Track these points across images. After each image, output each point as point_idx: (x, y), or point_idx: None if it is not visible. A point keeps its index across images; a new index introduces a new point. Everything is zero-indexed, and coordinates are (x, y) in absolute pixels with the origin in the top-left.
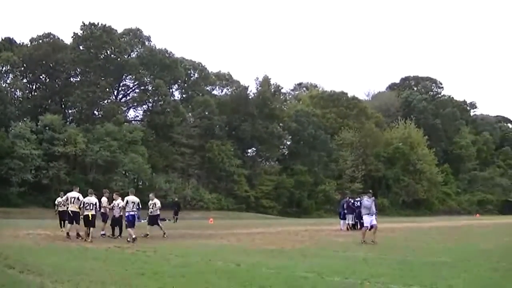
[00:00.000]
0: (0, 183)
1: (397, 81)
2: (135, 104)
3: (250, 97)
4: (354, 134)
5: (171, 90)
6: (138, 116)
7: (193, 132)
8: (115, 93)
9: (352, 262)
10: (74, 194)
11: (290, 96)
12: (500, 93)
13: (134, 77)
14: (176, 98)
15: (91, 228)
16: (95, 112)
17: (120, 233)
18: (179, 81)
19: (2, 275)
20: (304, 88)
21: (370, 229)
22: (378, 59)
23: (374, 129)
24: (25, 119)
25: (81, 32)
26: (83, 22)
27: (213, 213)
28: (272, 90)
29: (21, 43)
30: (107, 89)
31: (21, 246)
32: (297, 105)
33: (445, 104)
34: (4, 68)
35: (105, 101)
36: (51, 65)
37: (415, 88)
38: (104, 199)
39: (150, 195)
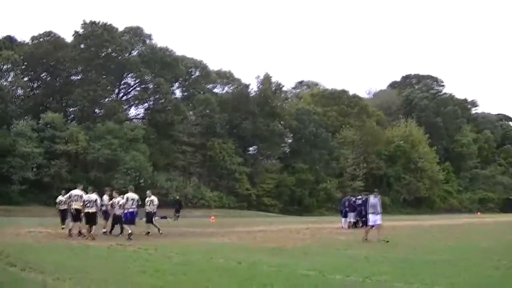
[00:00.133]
0: (1, 181)
1: (398, 79)
2: (136, 102)
3: (251, 95)
4: (355, 132)
5: (172, 88)
6: (139, 114)
7: (194, 130)
8: (116, 91)
9: (353, 260)
10: (77, 191)
11: (291, 94)
12: (501, 91)
13: (135, 75)
14: (177, 96)
15: (93, 226)
16: (96, 110)
17: (122, 231)
18: (180, 79)
19: (3, 273)
20: (305, 86)
21: (372, 227)
22: (379, 57)
23: (375, 127)
24: (26, 117)
25: (82, 30)
26: (84, 21)
27: (214, 211)
28: (273, 88)
29: (22, 42)
30: (108, 87)
31: (23, 244)
32: (298, 103)
33: (446, 102)
34: (5, 66)
35: (106, 99)
36: (52, 63)
37: (416, 86)
38: (105, 197)
39: (148, 192)
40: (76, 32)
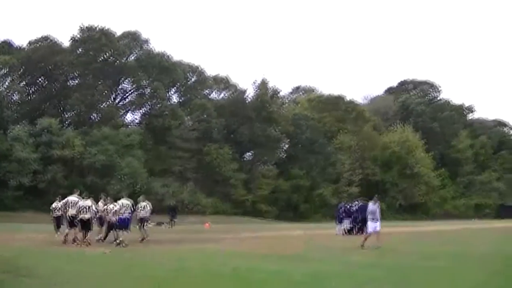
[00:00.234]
0: None
1: (395, 85)
2: (133, 107)
3: (247, 100)
4: (351, 137)
5: (169, 94)
6: (135, 120)
7: (190, 136)
8: (113, 96)
9: (349, 266)
10: (73, 198)
11: (288, 100)
12: (498, 97)
13: (132, 80)
14: (174, 101)
15: (88, 232)
16: (92, 115)
17: (116, 238)
18: (177, 84)
19: None
20: (302, 92)
21: (371, 234)
22: (376, 63)
23: (371, 132)
24: (23, 122)
25: (79, 35)
26: (81, 25)
27: (210, 218)
28: (270, 93)
29: (19, 46)
30: (105, 92)
31: (18, 250)
32: (295, 108)
33: (442, 108)
34: (2, 71)
35: (103, 104)
36: (49, 68)
37: (413, 92)
38: (100, 203)
39: (140, 197)
40: (73, 37)
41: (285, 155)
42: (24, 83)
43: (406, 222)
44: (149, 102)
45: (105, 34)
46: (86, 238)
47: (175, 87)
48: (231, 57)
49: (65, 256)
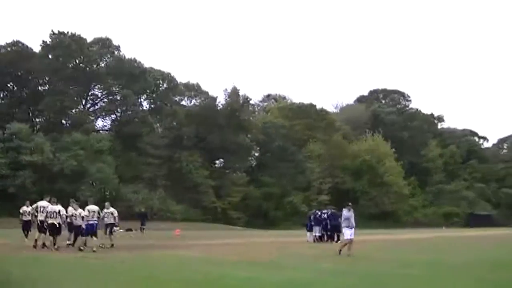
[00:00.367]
0: None
1: (366, 93)
2: (103, 113)
3: (218, 108)
4: (321, 146)
5: (139, 100)
6: (106, 126)
7: (161, 143)
8: (83, 102)
9: (320, 273)
10: (43, 203)
11: (258, 108)
12: (467, 106)
13: (102, 86)
14: (144, 108)
15: (56, 237)
16: (63, 121)
17: (85, 243)
18: (148, 91)
19: None
20: (273, 100)
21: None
22: (346, 72)
23: (342, 141)
24: None
25: (50, 40)
26: (52, 30)
27: (180, 224)
28: (241, 101)
29: None
30: (76, 98)
31: None
32: (265, 116)
33: (413, 117)
34: None
35: (73, 110)
36: (19, 73)
37: (383, 101)
38: (70, 209)
39: (106, 204)
40: (44, 42)
41: (255, 163)
42: None
43: (377, 230)
44: (119, 109)
45: (76, 40)
46: (55, 243)
47: (145, 94)
48: (202, 64)
49: (34, 262)
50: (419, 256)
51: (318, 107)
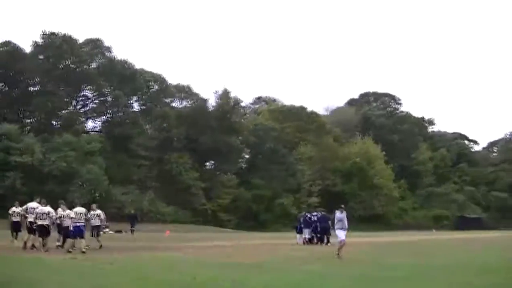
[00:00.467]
0: None
1: (356, 96)
2: (94, 115)
3: (209, 110)
4: (312, 148)
5: (130, 102)
6: (96, 127)
7: (151, 144)
8: (74, 103)
9: (309, 276)
10: (33, 204)
11: (249, 110)
12: (457, 110)
13: (93, 87)
14: (135, 109)
15: (46, 238)
16: (53, 122)
17: (73, 245)
18: (139, 92)
19: None
20: (264, 102)
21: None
22: (337, 75)
23: (332, 144)
24: None
25: (41, 41)
26: (43, 31)
27: (170, 226)
28: (232, 103)
29: None
30: (66, 99)
31: None
32: (256, 119)
33: (403, 120)
34: None
35: (64, 111)
36: (10, 73)
37: (374, 104)
38: (59, 210)
39: (93, 205)
40: (35, 43)
41: (246, 165)
42: None
43: (367, 232)
44: (110, 110)
45: (67, 40)
46: (44, 244)
47: (136, 96)
48: (194, 66)
49: (23, 263)
50: (406, 258)
51: (309, 109)
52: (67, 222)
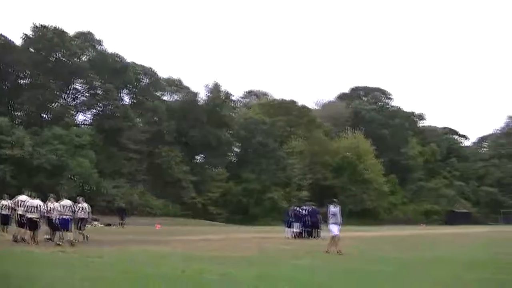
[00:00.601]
0: None
1: (347, 91)
2: (84, 108)
3: (199, 103)
4: (302, 142)
5: (121, 95)
6: (87, 120)
7: (141, 138)
8: (65, 96)
9: (298, 270)
10: (23, 197)
11: (240, 104)
12: (448, 105)
13: (84, 80)
14: (125, 103)
15: (36, 231)
16: (43, 115)
17: (62, 238)
18: (129, 86)
19: None
20: (254, 96)
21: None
22: (328, 69)
23: (322, 138)
24: None
25: (32, 33)
26: (33, 24)
27: (160, 219)
28: (222, 97)
29: None
30: (57, 92)
31: None
32: (246, 112)
33: (393, 115)
34: None
35: (54, 104)
36: (0, 66)
37: (365, 99)
38: (48, 203)
39: (79, 198)
40: (25, 36)
41: (236, 159)
42: None
43: (356, 227)
44: (100, 103)
45: (57, 33)
46: (34, 237)
47: (127, 89)
48: (184, 60)
49: (12, 257)
50: (396, 253)
51: (299, 103)
52: (55, 215)
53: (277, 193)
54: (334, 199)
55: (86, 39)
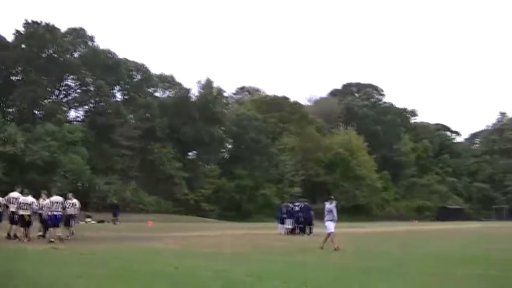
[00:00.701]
0: None
1: (339, 87)
2: (76, 104)
3: (192, 100)
4: (295, 139)
5: (113, 91)
6: (79, 117)
7: (134, 134)
8: (57, 93)
9: (291, 266)
10: (15, 194)
11: (232, 100)
12: (440, 101)
13: (76, 77)
14: (118, 99)
15: (28, 228)
16: (35, 111)
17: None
18: (122, 82)
19: None
20: (247, 92)
21: (328, 236)
22: (320, 65)
23: (315, 134)
24: None
25: (24, 30)
26: (25, 20)
27: (153, 216)
28: (214, 93)
29: None
30: (49, 89)
31: None
32: (239, 109)
33: (386, 111)
34: None
35: (46, 101)
36: None
37: (357, 95)
38: (40, 200)
39: (69, 194)
40: (17, 32)
41: (228, 155)
42: None
43: (349, 223)
44: (93, 100)
45: (49, 30)
46: (27, 234)
47: (119, 85)
48: (176, 56)
49: (4, 253)
50: (388, 249)
51: (291, 100)
52: (45, 212)
53: (269, 189)
54: (331, 196)
55: (78, 35)
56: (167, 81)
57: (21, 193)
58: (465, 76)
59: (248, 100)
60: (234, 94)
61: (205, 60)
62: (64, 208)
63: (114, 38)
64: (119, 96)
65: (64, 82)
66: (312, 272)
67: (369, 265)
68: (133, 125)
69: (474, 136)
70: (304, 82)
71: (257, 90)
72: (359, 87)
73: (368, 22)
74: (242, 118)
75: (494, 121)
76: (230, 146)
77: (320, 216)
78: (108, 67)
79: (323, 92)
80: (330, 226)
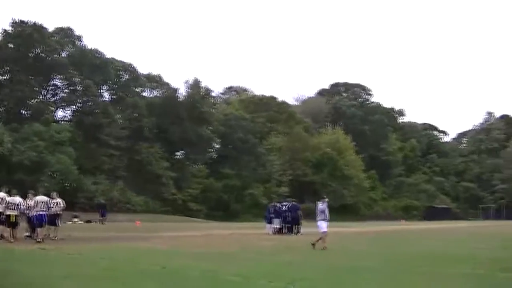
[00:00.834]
0: None
1: (327, 87)
2: (64, 104)
3: (179, 99)
4: (282, 138)
5: (100, 91)
6: (66, 117)
7: (121, 134)
8: (44, 92)
9: (278, 266)
10: (1, 194)
11: (220, 100)
12: (427, 101)
13: (64, 76)
14: (105, 99)
15: (15, 229)
16: (22, 111)
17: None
18: (109, 82)
19: None
20: (234, 92)
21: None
22: (308, 65)
23: (302, 134)
24: None
25: (11, 29)
26: (13, 19)
27: (140, 216)
28: (202, 93)
29: None
30: (36, 88)
31: None
32: (226, 108)
33: (373, 111)
34: None
35: (34, 101)
36: None
37: (345, 94)
38: (28, 200)
39: (53, 193)
40: (4, 31)
41: (216, 155)
42: None
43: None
44: (80, 99)
45: (37, 29)
46: (14, 235)
47: (107, 85)
48: (164, 56)
49: None
50: (376, 249)
51: (279, 99)
52: (31, 212)
53: (257, 189)
54: (324, 196)
55: (66, 34)
56: (155, 81)
57: (8, 193)
58: (453, 76)
59: (236, 100)
60: (222, 94)
61: (193, 60)
62: (48, 208)
63: (102, 38)
64: (106, 96)
65: (52, 82)
66: (300, 271)
67: (356, 265)
68: (121, 125)
69: (461, 135)
70: (292, 81)
71: (245, 90)
72: (347, 86)
73: (356, 22)
74: (230, 118)
75: (481, 120)
76: (217, 146)
77: (308, 215)
78: (96, 67)
79: (310, 91)
80: (323, 225)
